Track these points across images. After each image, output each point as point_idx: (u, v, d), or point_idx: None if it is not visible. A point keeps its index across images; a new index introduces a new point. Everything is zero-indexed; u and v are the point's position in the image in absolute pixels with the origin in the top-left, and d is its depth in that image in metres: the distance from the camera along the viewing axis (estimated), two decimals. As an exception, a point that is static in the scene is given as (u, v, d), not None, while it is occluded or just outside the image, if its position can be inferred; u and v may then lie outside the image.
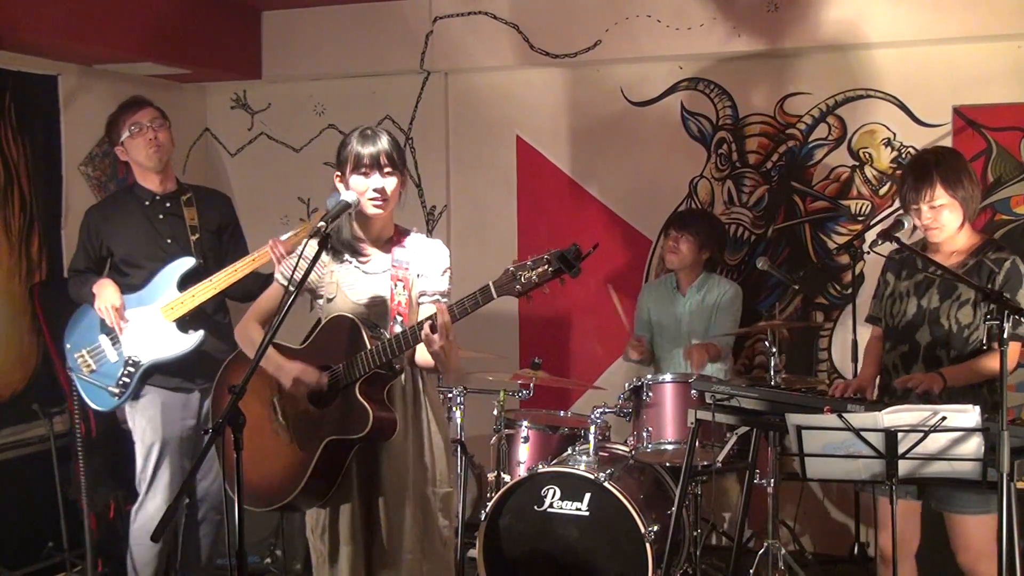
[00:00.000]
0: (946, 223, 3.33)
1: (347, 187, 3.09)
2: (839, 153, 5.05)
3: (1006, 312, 2.82)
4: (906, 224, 3.30)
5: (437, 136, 5.55)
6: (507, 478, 4.36)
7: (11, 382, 4.59)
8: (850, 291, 4.91)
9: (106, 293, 4.03)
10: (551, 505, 4.11)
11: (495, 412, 4.49)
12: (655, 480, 4.43)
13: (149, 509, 4.10)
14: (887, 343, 3.51)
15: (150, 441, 4.09)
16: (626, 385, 4.42)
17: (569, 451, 4.41)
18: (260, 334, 3.14)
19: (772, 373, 4.17)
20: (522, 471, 4.39)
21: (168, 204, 4.18)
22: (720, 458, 4.16)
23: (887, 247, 3.42)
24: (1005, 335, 2.81)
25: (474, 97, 5.58)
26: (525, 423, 4.54)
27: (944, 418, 2.83)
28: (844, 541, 4.98)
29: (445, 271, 3.18)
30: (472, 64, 5.46)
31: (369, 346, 2.96)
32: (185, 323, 4.06)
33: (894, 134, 4.96)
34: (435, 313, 2.85)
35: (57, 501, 4.55)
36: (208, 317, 4.15)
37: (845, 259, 5.00)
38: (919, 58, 4.89)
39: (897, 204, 4.90)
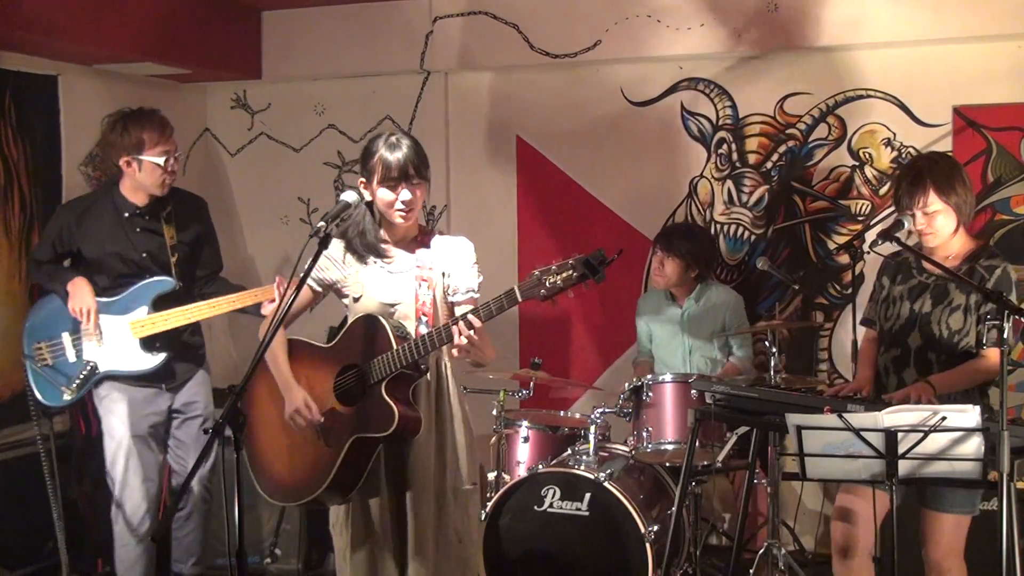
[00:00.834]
0: (939, 228, 3.34)
1: (372, 196, 3.12)
2: (839, 153, 5.05)
3: (1006, 312, 2.83)
4: (906, 224, 3.30)
5: (437, 136, 5.55)
6: (507, 478, 4.36)
7: (11, 382, 4.58)
8: (850, 291, 4.91)
9: (81, 295, 4.03)
10: (551, 505, 4.11)
11: (495, 412, 4.49)
12: (655, 480, 4.43)
13: (127, 509, 4.13)
14: (881, 346, 3.53)
15: (119, 436, 4.12)
16: (626, 385, 4.42)
17: (569, 451, 4.42)
18: (281, 337, 3.21)
19: (772, 373, 4.17)
20: (522, 471, 4.39)
21: (147, 217, 4.14)
22: (720, 458, 4.16)
23: (887, 247, 3.42)
24: (1005, 335, 2.82)
25: (474, 97, 5.58)
26: (525, 423, 4.54)
27: (944, 418, 2.83)
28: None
29: (472, 266, 3.20)
30: (472, 64, 5.46)
31: (395, 346, 2.99)
32: (150, 342, 4.07)
33: (894, 134, 4.96)
34: (463, 316, 2.88)
35: (57, 501, 4.55)
36: (177, 336, 4.16)
37: (845, 259, 4.99)
38: (919, 58, 4.89)
39: (897, 204, 4.93)
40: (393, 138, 3.12)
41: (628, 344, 5.34)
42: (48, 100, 4.81)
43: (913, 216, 3.34)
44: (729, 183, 5.22)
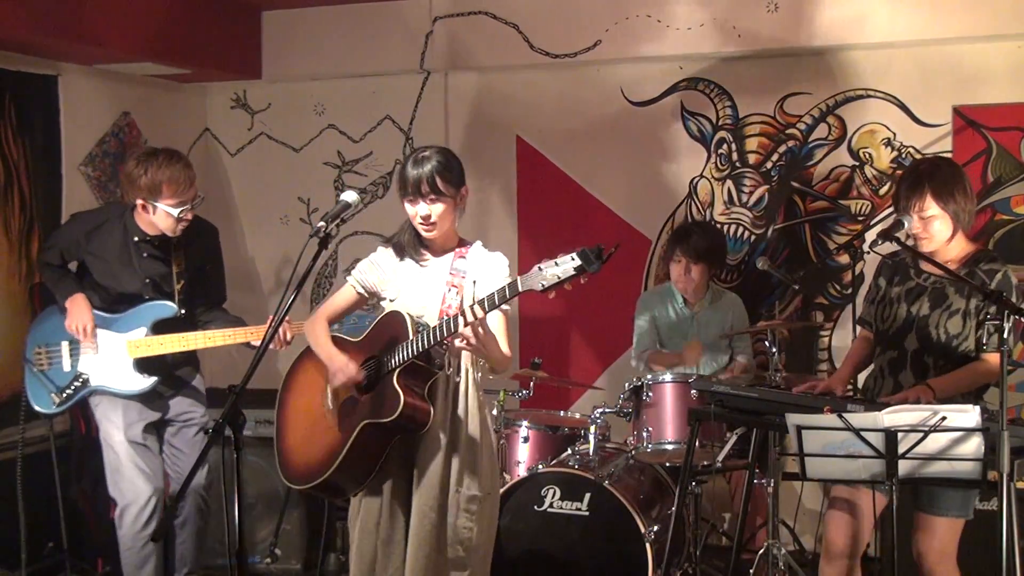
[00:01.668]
0: (935, 233, 3.31)
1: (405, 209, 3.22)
2: (839, 153, 5.05)
3: (1006, 312, 2.83)
4: (906, 224, 3.30)
5: (437, 136, 5.55)
6: (508, 478, 4.36)
7: (11, 382, 4.58)
8: (850, 291, 4.91)
9: (79, 311, 4.06)
10: (551, 505, 4.11)
11: (495, 412, 4.49)
12: (655, 480, 4.43)
13: (133, 511, 4.12)
14: (877, 347, 3.52)
15: (117, 442, 4.13)
16: (626, 385, 4.42)
17: (569, 451, 4.41)
18: (324, 330, 3.30)
19: (772, 373, 4.17)
20: (522, 471, 4.39)
21: (156, 244, 4.12)
22: (720, 458, 4.16)
23: (887, 247, 3.42)
24: (1005, 335, 2.82)
25: (474, 97, 5.58)
26: (525, 423, 4.53)
27: (944, 418, 2.83)
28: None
29: (505, 279, 3.18)
30: (472, 64, 5.46)
31: (411, 336, 3.06)
32: (144, 364, 4.09)
33: (894, 134, 4.96)
34: (466, 308, 2.93)
35: (57, 501, 4.55)
36: (169, 369, 4.18)
37: (845, 259, 5.01)
38: (919, 58, 4.89)
39: (897, 204, 4.92)
40: (424, 153, 3.18)
41: (628, 344, 5.33)
42: (48, 100, 4.81)
43: (910, 219, 3.33)
44: (729, 183, 5.22)
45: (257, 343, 3.97)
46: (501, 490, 4.14)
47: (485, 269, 3.24)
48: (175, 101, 5.69)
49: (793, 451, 3.01)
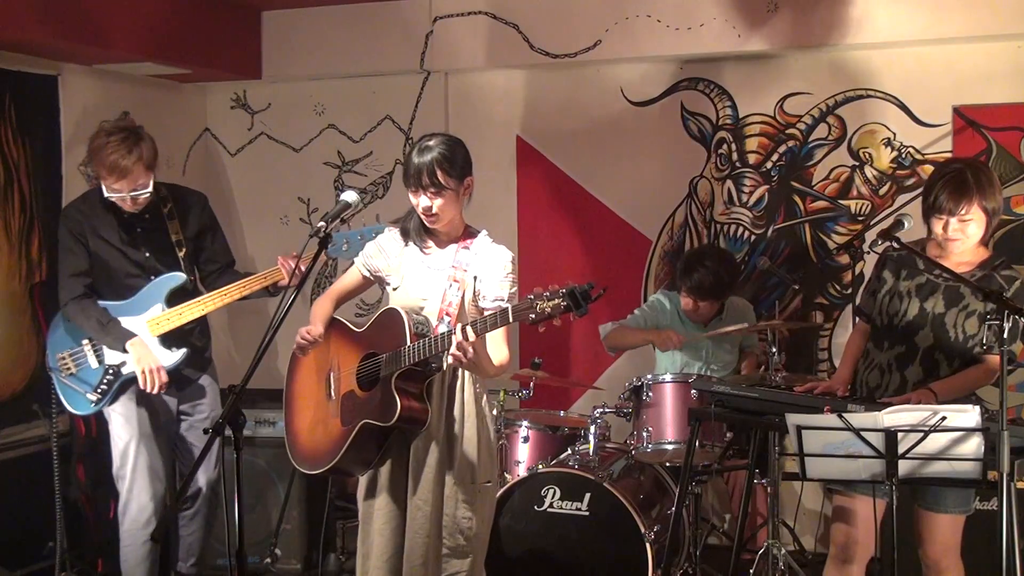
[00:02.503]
0: (972, 236, 3.29)
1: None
2: (839, 153, 5.05)
3: (1006, 312, 2.83)
4: (906, 224, 3.29)
5: (437, 136, 5.54)
6: (508, 478, 4.36)
7: (11, 382, 4.59)
8: (850, 291, 4.91)
9: (145, 355, 3.99)
10: (551, 505, 4.12)
11: (495, 412, 4.49)
12: (655, 480, 4.43)
13: (133, 508, 4.12)
14: (884, 342, 3.46)
15: (126, 438, 4.12)
16: (626, 385, 4.42)
17: (569, 451, 4.42)
18: (329, 306, 3.38)
19: (772, 373, 4.17)
20: (522, 471, 4.39)
21: (147, 216, 4.11)
22: (720, 458, 4.16)
23: (887, 247, 3.42)
24: (1006, 335, 2.82)
25: (474, 97, 5.58)
26: (525, 423, 4.54)
27: (944, 418, 2.83)
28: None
29: (506, 276, 3.20)
30: (472, 64, 5.46)
31: (409, 343, 3.09)
32: (169, 339, 4.08)
33: (894, 134, 4.96)
34: (458, 328, 2.95)
35: (57, 501, 4.56)
36: (186, 337, 4.16)
37: (845, 259, 5.01)
38: (919, 58, 4.89)
39: (897, 204, 4.92)
40: (428, 142, 3.17)
41: (628, 344, 5.35)
42: (48, 100, 4.80)
43: (947, 222, 3.27)
44: (729, 183, 5.22)
45: (283, 282, 4.01)
46: (501, 490, 4.17)
47: (487, 265, 3.23)
48: (175, 101, 5.69)
49: (793, 451, 3.01)
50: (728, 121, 5.20)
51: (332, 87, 5.76)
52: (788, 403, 3.37)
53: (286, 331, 3.21)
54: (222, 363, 5.77)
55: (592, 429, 4.32)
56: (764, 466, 4.10)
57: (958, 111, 4.86)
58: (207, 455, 2.81)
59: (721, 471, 4.61)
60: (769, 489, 4.18)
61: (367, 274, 3.38)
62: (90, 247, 4.09)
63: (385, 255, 3.33)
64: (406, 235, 3.30)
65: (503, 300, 3.18)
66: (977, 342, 3.29)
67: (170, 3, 5.03)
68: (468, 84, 5.58)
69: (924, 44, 4.83)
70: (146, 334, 4.06)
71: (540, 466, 4.23)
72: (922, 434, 2.85)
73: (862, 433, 2.89)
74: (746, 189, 5.20)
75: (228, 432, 2.72)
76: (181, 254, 4.15)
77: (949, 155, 4.86)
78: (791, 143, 5.12)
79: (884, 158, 4.98)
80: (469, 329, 2.95)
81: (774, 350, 4.19)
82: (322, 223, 3.02)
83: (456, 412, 3.24)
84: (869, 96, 4.99)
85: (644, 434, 4.25)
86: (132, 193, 3.96)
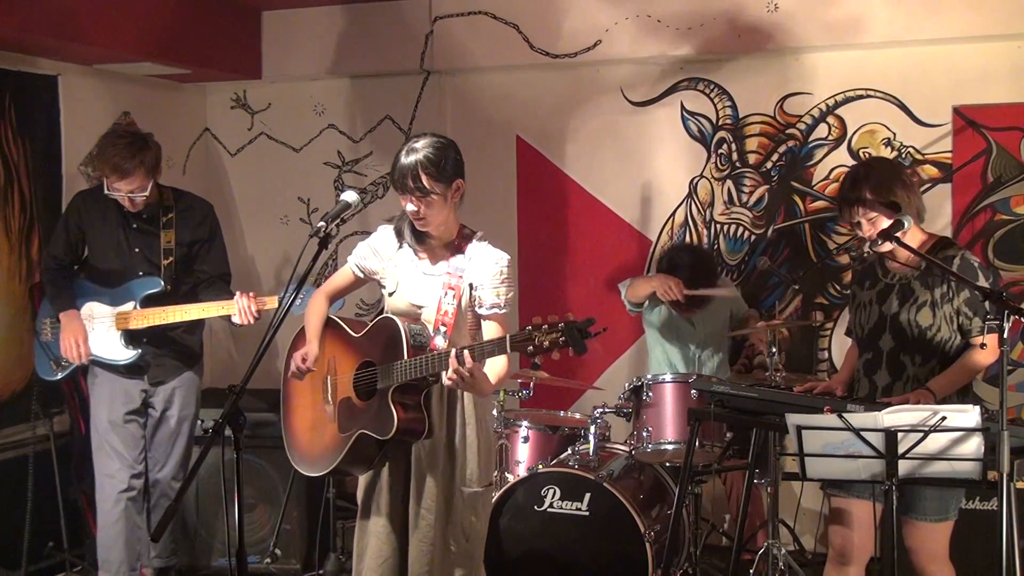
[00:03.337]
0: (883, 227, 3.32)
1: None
2: (839, 153, 5.05)
3: (1006, 312, 2.83)
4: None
5: (437, 136, 5.54)
6: (509, 477, 4.36)
7: (11, 382, 4.59)
8: (849, 290, 4.90)
9: (72, 327, 4.20)
10: (551, 505, 4.11)
11: (495, 412, 4.49)
12: (655, 480, 4.43)
13: (106, 490, 4.29)
14: (860, 352, 3.54)
15: (100, 421, 4.29)
16: (626, 385, 4.42)
17: (569, 451, 4.42)
18: (323, 305, 3.35)
19: (772, 373, 4.17)
20: (522, 471, 4.39)
21: (144, 217, 4.26)
22: (719, 458, 4.16)
23: (887, 247, 3.42)
24: (1004, 334, 2.82)
25: (474, 97, 5.58)
26: (525, 423, 4.54)
27: (944, 418, 2.83)
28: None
29: (501, 283, 3.19)
30: (472, 64, 5.46)
31: (406, 358, 3.06)
32: (133, 336, 4.24)
33: (894, 134, 4.96)
34: (455, 354, 2.93)
35: (57, 501, 4.56)
36: (165, 334, 4.31)
37: (845, 259, 5.01)
38: (919, 58, 4.89)
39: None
40: (415, 144, 3.11)
41: (628, 344, 5.35)
42: (48, 100, 4.81)
43: (859, 224, 3.35)
44: (729, 183, 5.22)
45: (235, 318, 4.14)
46: (501, 490, 4.17)
47: (482, 271, 3.19)
48: (175, 101, 5.69)
49: (793, 451, 3.01)
50: (728, 121, 5.20)
51: (332, 87, 5.76)
52: (788, 403, 3.37)
53: (286, 331, 3.21)
54: (222, 363, 5.79)
55: (592, 429, 4.32)
56: (764, 466, 4.10)
57: (958, 111, 4.86)
58: (207, 454, 2.83)
59: (721, 471, 4.60)
60: (769, 489, 4.18)
61: (361, 275, 3.35)
62: (87, 235, 4.27)
63: (379, 257, 3.29)
64: (400, 235, 3.26)
65: (500, 307, 3.18)
66: (934, 332, 3.30)
67: (170, 3, 5.03)
68: (468, 84, 5.58)
69: (924, 44, 4.83)
70: (112, 326, 4.22)
71: (540, 466, 4.23)
72: (922, 434, 2.85)
73: (862, 433, 2.89)
74: (746, 189, 5.19)
75: (228, 432, 2.72)
76: (166, 262, 4.27)
77: (949, 155, 4.87)
78: (791, 143, 5.12)
79: (884, 158, 4.98)
80: (467, 353, 2.92)
81: (774, 350, 4.19)
82: (322, 223, 3.02)
83: (457, 418, 3.23)
84: (869, 96, 4.99)
85: (644, 434, 4.25)
86: (130, 194, 4.12)
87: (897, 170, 3.45)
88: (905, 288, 3.38)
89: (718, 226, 5.24)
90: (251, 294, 4.12)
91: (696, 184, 5.27)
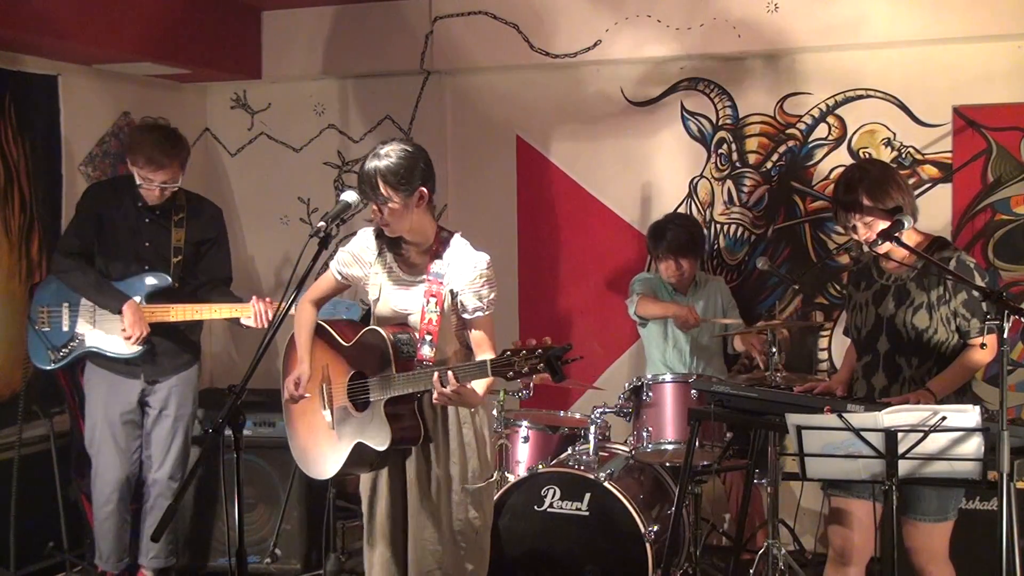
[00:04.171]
0: (879, 229, 3.31)
1: None
2: (839, 153, 5.05)
3: (1006, 312, 2.83)
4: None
5: (437, 136, 5.55)
6: (510, 477, 4.36)
7: (11, 382, 4.59)
8: (846, 291, 4.90)
9: (137, 317, 4.18)
10: (551, 505, 4.12)
11: (495, 412, 4.49)
12: (655, 480, 4.43)
13: (99, 485, 4.36)
14: (859, 354, 3.54)
15: (96, 416, 4.33)
16: (626, 385, 4.42)
17: (569, 451, 4.42)
18: (310, 314, 3.37)
19: (772, 373, 4.17)
20: (522, 471, 4.39)
21: (158, 212, 4.32)
22: (719, 458, 4.16)
23: (887, 247, 3.42)
24: (1004, 334, 2.82)
25: (474, 97, 5.58)
26: (525, 423, 4.54)
27: (944, 418, 2.83)
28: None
29: (482, 286, 3.17)
30: (472, 64, 5.46)
31: (394, 372, 3.10)
32: None
33: (894, 134, 4.96)
34: (438, 376, 2.98)
35: (57, 501, 4.56)
36: (171, 330, 4.33)
37: (845, 259, 5.01)
38: (919, 58, 4.89)
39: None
40: (381, 149, 3.12)
41: (628, 344, 5.34)
42: (48, 100, 4.80)
43: (855, 227, 3.36)
44: (729, 183, 5.22)
45: (247, 321, 4.20)
46: (501, 490, 4.17)
47: (461, 275, 3.18)
48: (175, 101, 5.69)
49: (793, 451, 3.01)
50: (728, 121, 5.20)
51: (332, 87, 5.76)
52: (788, 403, 3.37)
53: (286, 331, 3.21)
54: (222, 363, 5.79)
55: (592, 429, 4.32)
56: (764, 466, 4.10)
57: (958, 111, 4.85)
58: (204, 458, 2.85)
59: (721, 471, 4.60)
60: (769, 489, 4.18)
61: (344, 281, 3.35)
62: (104, 224, 4.29)
63: (360, 264, 3.29)
64: (380, 238, 3.26)
65: (483, 309, 3.18)
66: (931, 334, 3.30)
67: (170, 3, 5.03)
68: (468, 84, 5.58)
69: (924, 44, 4.83)
70: (116, 319, 4.23)
71: (540, 466, 4.23)
72: (922, 434, 2.85)
73: (862, 433, 2.89)
74: (746, 189, 5.19)
75: (228, 432, 2.72)
76: (175, 260, 4.32)
77: (949, 155, 4.87)
78: (791, 143, 5.11)
79: (884, 158, 4.97)
80: (450, 374, 2.96)
81: (774, 350, 4.19)
82: (322, 223, 3.02)
83: (451, 421, 3.25)
84: (869, 96, 4.99)
85: (644, 434, 4.25)
86: (163, 185, 4.20)
87: (890, 172, 3.45)
88: (901, 289, 3.38)
89: (718, 226, 5.24)
90: (268, 300, 4.20)
91: (696, 184, 5.27)
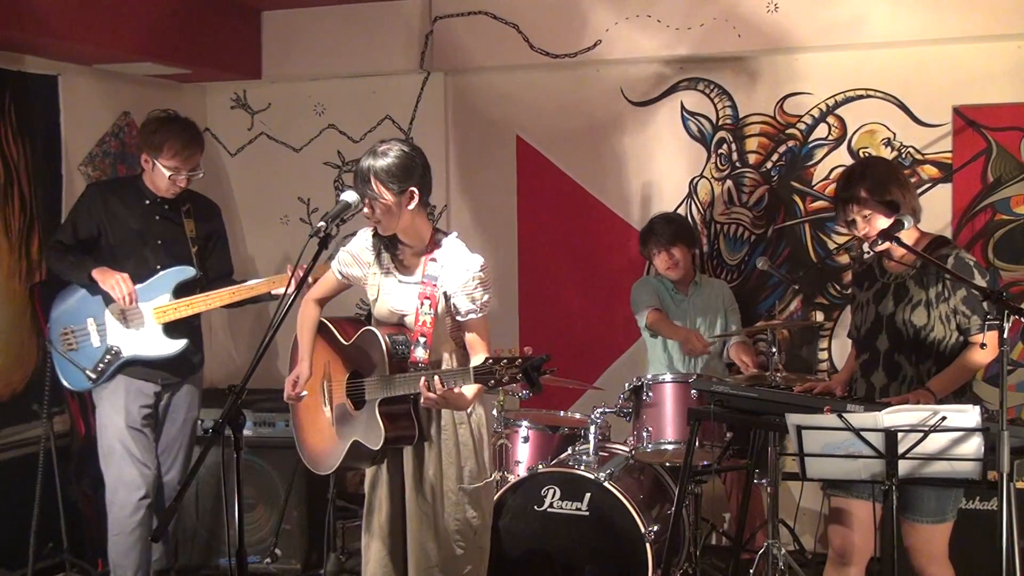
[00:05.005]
0: (880, 226, 3.32)
1: None
2: (839, 153, 5.05)
3: (1006, 312, 2.83)
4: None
5: (437, 136, 5.55)
6: (510, 477, 4.36)
7: (11, 382, 4.59)
8: (850, 291, 4.90)
9: (109, 272, 4.07)
10: (551, 505, 4.12)
11: (495, 412, 4.49)
12: (655, 480, 4.43)
13: (121, 496, 4.17)
14: (859, 352, 3.54)
15: (114, 425, 4.18)
16: (626, 385, 4.42)
17: (569, 451, 4.42)
18: (312, 312, 3.42)
19: (772, 373, 4.17)
20: (522, 471, 4.39)
21: (167, 207, 4.27)
22: (719, 458, 4.16)
23: (885, 246, 3.42)
24: (1004, 334, 2.82)
25: (474, 97, 5.58)
26: (525, 423, 4.54)
27: (944, 418, 2.83)
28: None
29: (475, 288, 3.18)
30: (472, 64, 5.46)
31: (388, 372, 3.13)
32: (171, 328, 4.17)
33: (894, 134, 4.96)
34: (424, 382, 3.02)
35: (57, 501, 4.55)
36: (187, 320, 4.24)
37: (845, 259, 5.01)
38: (919, 58, 4.89)
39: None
40: (379, 147, 3.15)
41: (628, 343, 5.34)
42: (48, 100, 4.80)
43: (854, 222, 3.37)
44: (729, 183, 5.22)
45: (279, 291, 4.15)
46: (501, 490, 4.17)
47: (454, 278, 3.19)
48: (175, 101, 5.67)
49: (793, 451, 3.01)
50: (728, 121, 5.20)
51: (332, 87, 5.76)
52: (788, 403, 3.37)
53: (286, 331, 3.21)
54: (222, 363, 5.79)
55: (592, 429, 4.32)
56: (764, 466, 4.10)
57: (958, 111, 4.86)
58: (204, 457, 2.84)
59: (721, 471, 4.60)
60: (769, 489, 4.18)
61: (343, 279, 3.39)
62: (109, 226, 4.20)
63: (359, 264, 3.32)
64: (378, 238, 3.27)
65: (476, 312, 3.19)
66: (928, 331, 3.30)
67: (170, 3, 5.03)
68: (468, 84, 5.58)
69: (924, 44, 4.83)
70: (151, 321, 4.15)
71: (540, 466, 4.23)
72: (922, 434, 2.85)
73: (862, 433, 2.89)
74: (746, 189, 5.20)
75: (228, 432, 2.72)
76: (194, 250, 4.28)
77: (949, 155, 4.87)
78: (791, 143, 5.12)
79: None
80: (436, 380, 3.00)
81: (774, 350, 4.19)
82: (322, 223, 3.02)
83: (447, 421, 3.26)
84: (869, 96, 4.99)
85: (644, 434, 4.25)
86: (190, 173, 4.19)
87: (893, 169, 3.47)
88: (900, 287, 3.39)
89: (718, 226, 5.24)
90: (303, 266, 4.08)
91: (696, 184, 5.27)
